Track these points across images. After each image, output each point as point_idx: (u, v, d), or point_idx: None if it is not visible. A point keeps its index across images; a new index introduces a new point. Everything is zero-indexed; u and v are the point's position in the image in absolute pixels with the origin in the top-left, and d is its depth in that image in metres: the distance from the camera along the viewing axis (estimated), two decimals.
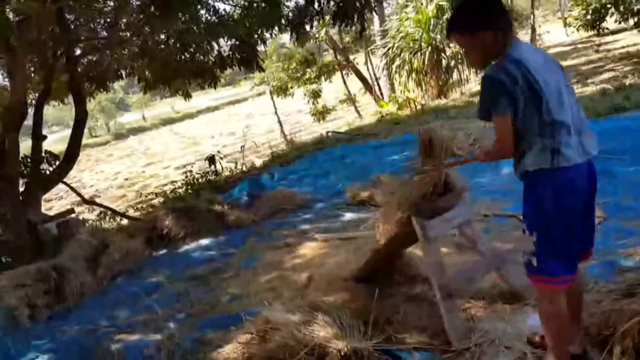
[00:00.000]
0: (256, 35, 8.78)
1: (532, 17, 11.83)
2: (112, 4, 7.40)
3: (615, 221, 3.55)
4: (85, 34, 7.21)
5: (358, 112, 15.48)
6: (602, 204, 3.82)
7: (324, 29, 14.21)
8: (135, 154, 24.60)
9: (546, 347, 2.14)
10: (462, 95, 10.91)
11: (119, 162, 22.62)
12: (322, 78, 15.98)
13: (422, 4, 10.14)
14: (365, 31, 6.19)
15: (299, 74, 15.55)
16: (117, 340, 3.36)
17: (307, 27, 6.74)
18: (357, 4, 5.42)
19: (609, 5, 16.40)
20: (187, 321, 3.48)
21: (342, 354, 2.39)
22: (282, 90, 16.05)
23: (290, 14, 6.66)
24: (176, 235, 5.21)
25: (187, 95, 10.25)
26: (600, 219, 3.61)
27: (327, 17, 7.08)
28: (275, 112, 14.41)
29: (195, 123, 35.02)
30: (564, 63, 13.86)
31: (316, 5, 5.79)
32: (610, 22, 17.58)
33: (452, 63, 10.33)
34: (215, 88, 9.89)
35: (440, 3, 9.90)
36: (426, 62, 9.76)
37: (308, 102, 16.03)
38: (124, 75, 9.44)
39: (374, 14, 12.60)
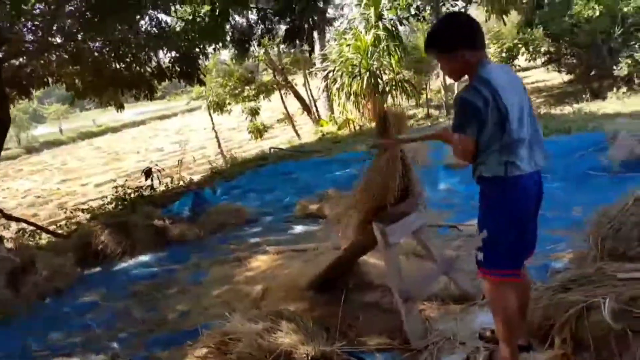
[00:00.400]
0: (198, 50, 8.68)
1: None
2: (41, 7, 6.98)
3: (544, 231, 3.86)
4: (10, 36, 6.72)
5: (296, 131, 15.65)
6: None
7: (264, 49, 14.33)
8: (50, 169, 22.80)
9: (497, 340, 2.29)
10: None
11: (30, 179, 20.76)
12: (261, 96, 16.02)
13: (361, 32, 10.66)
14: (313, 52, 6.36)
15: (237, 91, 15.47)
16: None
17: (255, 45, 6.77)
18: (307, 26, 5.56)
19: (520, 45, 18.09)
20: (132, 340, 3.27)
21: (310, 358, 2.39)
22: (218, 107, 15.83)
23: (235, 31, 6.67)
24: (112, 252, 4.90)
25: (119, 107, 9.81)
26: None
27: (275, 38, 7.18)
28: (213, 128, 14.18)
29: (118, 138, 33.25)
30: None
31: (267, 24, 5.86)
32: (521, 60, 19.43)
33: (388, 88, 10.88)
34: (151, 100, 9.56)
35: (378, 32, 10.48)
36: (364, 86, 10.21)
37: (246, 119, 15.96)
38: (50, 82, 8.85)
39: (316, 37, 12.98)
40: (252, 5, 6.80)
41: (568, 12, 10.68)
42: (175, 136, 29.19)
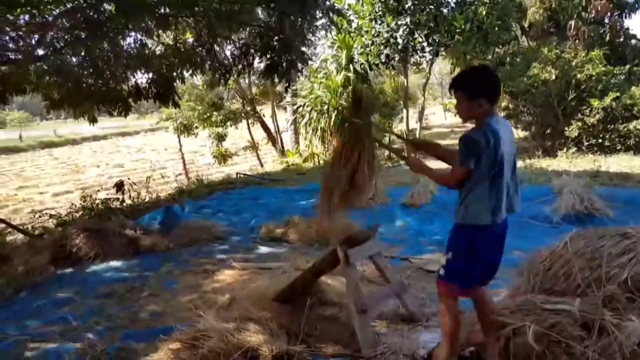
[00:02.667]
0: (175, 74, 9.07)
1: (422, 99, 13.88)
2: (27, 18, 7.22)
3: None
4: None
5: (260, 159, 16.06)
6: None
7: (235, 78, 14.87)
8: (7, 175, 22.15)
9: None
10: None
11: None
12: (228, 123, 16.43)
13: (332, 72, 11.41)
14: (290, 87, 6.91)
15: (205, 116, 15.83)
16: (32, 349, 3.33)
17: (234, 76, 7.24)
18: (285, 64, 6.11)
19: None
20: (107, 333, 3.56)
21: (274, 354, 2.79)
22: (186, 129, 16.12)
23: (216, 62, 7.14)
24: (85, 255, 5.13)
25: (92, 120, 9.98)
26: None
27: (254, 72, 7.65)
28: (180, 149, 14.40)
29: (79, 150, 32.67)
30: (444, 142, 16.10)
31: (248, 58, 6.37)
32: None
33: None
34: (125, 117, 9.80)
35: (348, 74, 11.27)
36: (331, 123, 10.86)
37: (212, 143, 16.26)
38: (27, 91, 8.98)
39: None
40: (234, 39, 7.32)
41: (527, 73, 11.61)
42: (136, 154, 29.04)
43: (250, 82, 16.86)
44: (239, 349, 2.85)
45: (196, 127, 16.19)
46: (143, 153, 28.94)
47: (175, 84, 9.09)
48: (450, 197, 6.70)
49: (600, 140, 10.87)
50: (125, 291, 4.34)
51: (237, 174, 10.17)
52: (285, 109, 18.59)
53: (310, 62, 7.31)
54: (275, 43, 6.22)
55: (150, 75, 8.58)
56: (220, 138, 16.05)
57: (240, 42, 6.64)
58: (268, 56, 6.13)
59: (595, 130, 10.96)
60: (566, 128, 11.54)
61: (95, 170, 22.56)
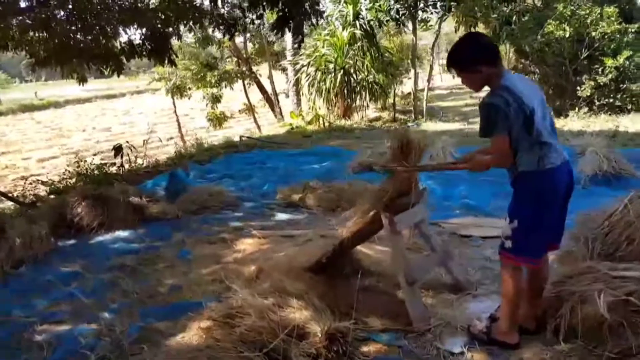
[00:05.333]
0: (171, 29, 8.47)
1: (431, 58, 13.37)
2: None
3: None
4: None
5: (257, 122, 15.55)
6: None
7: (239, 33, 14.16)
8: None
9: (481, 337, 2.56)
10: (362, 119, 11.78)
11: None
12: (223, 84, 15.77)
13: (337, 28, 10.79)
14: (303, 42, 6.40)
15: (199, 76, 15.15)
16: (41, 331, 2.99)
17: (241, 30, 6.71)
18: (296, 17, 5.60)
19: None
20: (124, 310, 3.23)
21: (324, 333, 2.49)
22: (179, 90, 15.44)
23: (224, 15, 6.59)
24: (88, 225, 4.74)
25: (82, 80, 9.39)
26: None
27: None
28: (175, 111, 13.82)
29: (62, 113, 31.66)
30: (444, 104, 15.73)
31: (257, 10, 5.84)
32: None
33: (358, 88, 11.10)
34: (118, 76, 9.25)
35: (355, 31, 10.66)
36: (337, 83, 10.36)
37: (207, 105, 15.67)
38: (9, 47, 8.32)
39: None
40: None
41: (540, 31, 11.21)
42: (123, 117, 28.24)
43: (245, 40, 16.14)
44: (284, 328, 2.55)
45: (189, 89, 15.53)
46: (130, 116, 28.19)
47: (171, 40, 8.55)
48: None
49: (611, 100, 10.60)
50: (138, 264, 3.98)
51: (240, 137, 9.71)
52: (283, 69, 17.94)
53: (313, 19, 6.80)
54: None
55: (144, 30, 8.01)
56: (216, 100, 15.43)
57: None
58: (278, 8, 5.59)
59: (608, 89, 10.66)
60: (578, 88, 11.19)
61: (81, 135, 21.90)
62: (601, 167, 5.30)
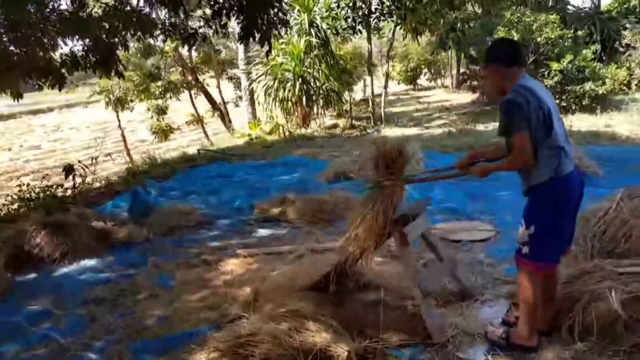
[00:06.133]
0: (117, 39, 8.01)
1: (386, 65, 13.61)
2: None
3: (505, 233, 4.21)
4: None
5: (206, 134, 15.07)
6: (491, 220, 4.57)
7: (174, 45, 13.72)
8: None
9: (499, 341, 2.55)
10: (320, 127, 11.75)
11: None
12: (168, 95, 15.16)
13: (293, 36, 10.71)
14: (271, 52, 6.21)
15: (141, 87, 14.45)
16: None
17: (200, 40, 6.41)
18: (262, 25, 5.42)
19: (422, 66, 19.70)
20: (111, 350, 2.91)
21: (354, 355, 2.35)
22: (120, 103, 14.64)
23: (180, 25, 6.28)
24: (49, 256, 4.28)
25: (17, 96, 8.66)
26: (491, 232, 4.31)
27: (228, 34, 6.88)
28: (119, 125, 13.07)
29: None
30: (395, 110, 16.02)
31: (222, 19, 5.58)
32: (423, 80, 21.12)
33: (315, 97, 11.07)
34: (60, 90, 8.60)
35: (310, 39, 10.62)
36: (296, 92, 10.25)
37: (151, 117, 14.99)
38: None
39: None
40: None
41: (489, 37, 11.75)
42: (54, 133, 26.46)
43: (190, 49, 15.62)
44: (306, 354, 2.38)
45: (131, 101, 14.77)
46: (61, 132, 26.37)
47: (117, 51, 8.07)
48: (441, 165, 6.53)
49: (558, 102, 11.30)
50: (115, 295, 3.63)
51: (198, 149, 9.30)
52: (230, 78, 17.54)
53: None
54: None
55: (87, 41, 7.50)
56: (161, 111, 14.79)
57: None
58: (243, 17, 5.38)
59: (553, 92, 11.33)
60: None
61: (6, 154, 20.14)
62: None
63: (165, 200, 6.08)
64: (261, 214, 5.12)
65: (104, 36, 7.54)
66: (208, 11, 6.05)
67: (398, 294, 3.18)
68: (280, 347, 2.44)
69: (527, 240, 2.37)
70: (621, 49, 12.34)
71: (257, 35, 5.54)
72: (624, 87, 12.01)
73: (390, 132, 10.53)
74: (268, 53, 5.88)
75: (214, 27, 5.75)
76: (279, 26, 5.53)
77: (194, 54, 16.31)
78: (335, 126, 11.81)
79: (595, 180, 5.40)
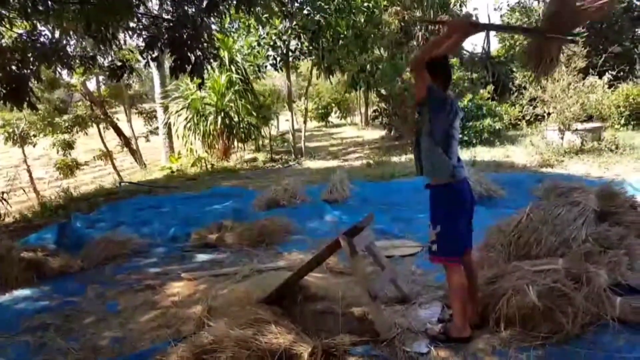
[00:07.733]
0: (29, 70, 7.73)
1: (305, 101, 14.17)
2: None
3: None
4: None
5: (116, 169, 14.47)
6: (414, 238, 5.12)
7: (82, 78, 13.29)
8: None
9: (439, 337, 2.97)
10: (240, 160, 11.93)
11: None
12: (75, 129, 14.39)
13: (214, 72, 10.93)
14: (204, 84, 6.38)
15: (47, 121, 13.61)
16: None
17: (127, 72, 6.44)
18: (194, 59, 5.66)
19: (333, 105, 20.89)
20: None
21: (319, 350, 2.63)
22: (21, 138, 13.59)
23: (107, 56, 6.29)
24: None
25: None
26: (417, 248, 4.86)
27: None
28: (25, 160, 12.12)
29: None
30: (311, 145, 16.69)
31: (154, 52, 5.71)
32: (333, 118, 22.31)
33: (235, 131, 11.29)
34: None
35: (231, 75, 10.92)
36: (217, 126, 10.39)
37: (58, 153, 14.10)
38: None
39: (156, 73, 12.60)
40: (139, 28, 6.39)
41: (398, 78, 12.75)
42: None
43: (98, 82, 15.13)
44: (272, 353, 2.61)
45: (34, 136, 13.80)
46: None
47: (29, 82, 7.73)
48: (366, 192, 7.11)
49: (460, 136, 12.56)
50: (61, 320, 3.55)
51: (119, 182, 9.00)
52: (140, 112, 17.12)
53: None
54: (185, 34, 5.66)
55: None
56: (68, 146, 13.99)
57: (144, 32, 5.92)
58: (175, 50, 5.58)
59: None
60: None
61: None
62: (476, 189, 6.32)
63: (95, 231, 5.89)
64: (199, 240, 5.21)
65: (13, 67, 7.22)
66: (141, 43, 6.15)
67: (343, 302, 3.52)
68: (246, 349, 2.65)
69: (434, 239, 2.86)
70: (513, 89, 14.02)
71: (188, 69, 5.75)
72: (519, 122, 13.45)
73: (312, 164, 11.05)
74: (200, 86, 6.09)
75: (145, 59, 5.86)
76: (211, 60, 5.80)
77: (102, 87, 15.78)
78: (254, 159, 12.07)
79: (501, 201, 6.28)
